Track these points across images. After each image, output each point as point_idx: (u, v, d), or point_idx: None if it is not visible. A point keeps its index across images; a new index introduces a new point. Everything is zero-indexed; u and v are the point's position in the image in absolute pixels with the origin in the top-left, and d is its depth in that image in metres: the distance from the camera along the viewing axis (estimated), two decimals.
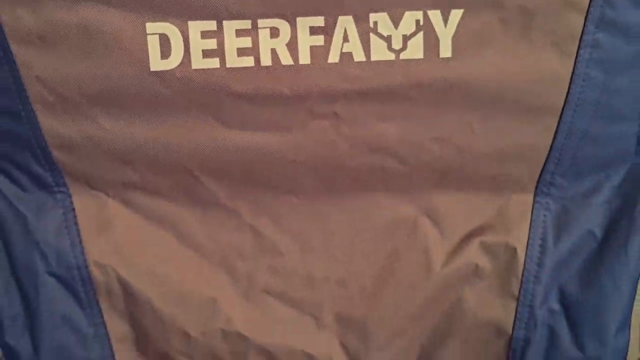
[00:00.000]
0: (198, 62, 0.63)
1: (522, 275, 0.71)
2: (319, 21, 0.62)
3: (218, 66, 0.63)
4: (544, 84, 0.64)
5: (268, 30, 0.62)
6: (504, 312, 0.72)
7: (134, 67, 0.63)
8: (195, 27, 0.62)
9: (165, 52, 0.63)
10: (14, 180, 0.69)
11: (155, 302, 0.71)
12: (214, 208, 0.70)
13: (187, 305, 0.72)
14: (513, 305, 0.72)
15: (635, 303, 0.72)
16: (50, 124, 0.65)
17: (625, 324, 0.71)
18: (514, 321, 0.72)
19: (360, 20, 0.62)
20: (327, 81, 0.63)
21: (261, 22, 0.62)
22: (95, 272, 0.70)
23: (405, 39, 0.62)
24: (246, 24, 0.62)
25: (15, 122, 0.65)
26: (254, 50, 0.63)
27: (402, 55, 0.63)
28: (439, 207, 0.70)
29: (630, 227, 0.69)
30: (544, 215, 0.70)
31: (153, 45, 0.62)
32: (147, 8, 0.61)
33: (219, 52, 0.63)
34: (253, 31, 0.62)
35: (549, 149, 0.67)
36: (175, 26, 0.62)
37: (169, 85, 0.64)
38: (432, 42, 0.63)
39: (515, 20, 0.62)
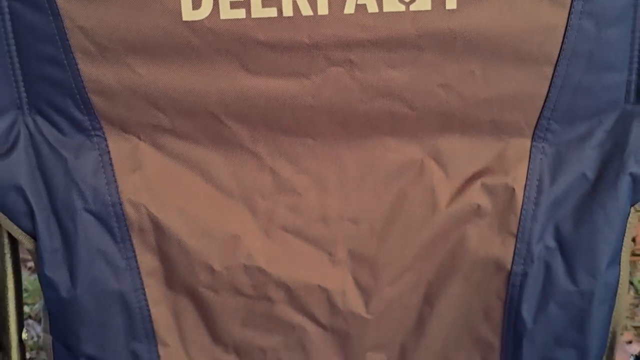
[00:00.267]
0: (226, 13, 0.69)
1: (520, 214, 0.77)
2: None
3: (244, 17, 0.69)
4: (540, 35, 0.70)
5: None
6: (503, 249, 0.78)
7: (168, 18, 0.69)
8: None
9: (196, 4, 0.69)
10: (55, 125, 0.75)
11: (182, 238, 0.78)
12: (236, 150, 0.76)
13: (211, 241, 0.78)
14: (512, 242, 0.78)
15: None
16: (90, 71, 0.72)
17: (615, 260, 0.77)
18: (513, 257, 0.78)
19: None
20: (343, 31, 0.70)
21: None
22: (129, 210, 0.77)
23: None
24: None
25: (58, 69, 0.72)
26: (277, 2, 0.69)
27: (412, 7, 0.69)
28: (444, 150, 0.76)
29: (620, 168, 0.75)
30: (541, 159, 0.76)
31: None
32: None
33: (245, 4, 0.69)
34: None
35: (545, 96, 0.73)
36: None
37: (199, 35, 0.70)
38: None
39: None
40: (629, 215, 0.76)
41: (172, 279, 0.80)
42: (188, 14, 0.69)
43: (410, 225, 0.78)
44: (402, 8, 0.69)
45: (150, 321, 0.81)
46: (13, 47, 0.72)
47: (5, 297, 0.80)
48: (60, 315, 0.79)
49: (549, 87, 0.73)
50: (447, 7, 0.69)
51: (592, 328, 0.79)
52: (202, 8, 0.69)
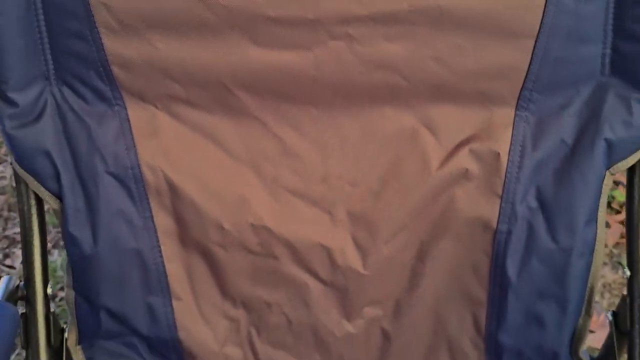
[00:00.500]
0: None
1: (505, 176, 0.84)
2: None
3: None
4: (521, 11, 0.77)
5: None
6: (489, 209, 0.85)
7: None
8: None
9: None
10: (80, 95, 0.82)
11: (195, 199, 0.85)
12: (245, 118, 0.83)
13: (222, 202, 0.85)
14: (497, 202, 0.85)
15: None
16: (113, 45, 0.78)
17: (592, 218, 0.84)
18: (498, 216, 0.85)
19: None
20: (342, 6, 0.76)
21: None
22: (146, 173, 0.84)
23: None
24: None
25: (83, 44, 0.79)
26: None
27: None
28: (436, 118, 0.83)
29: (596, 134, 0.82)
30: (524, 126, 0.83)
31: None
32: None
33: None
34: None
35: (527, 68, 0.80)
36: None
37: (213, 11, 0.77)
38: None
39: None
40: (604, 177, 0.83)
41: (186, 237, 0.87)
42: None
43: (404, 188, 0.85)
44: None
45: (166, 277, 0.88)
46: (42, 23, 0.78)
47: (32, 254, 0.86)
48: (82, 271, 0.86)
49: (531, 59, 0.79)
50: None
51: (571, 282, 0.86)
52: None
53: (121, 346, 0.92)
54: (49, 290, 0.88)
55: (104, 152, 0.83)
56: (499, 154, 0.83)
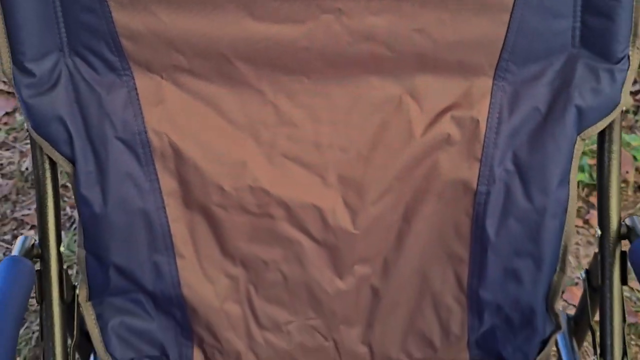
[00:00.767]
0: None
1: (484, 141, 0.91)
2: None
3: None
4: None
5: None
6: (470, 172, 0.92)
7: None
8: None
9: None
10: (90, 66, 0.88)
11: (198, 162, 0.91)
12: (244, 87, 0.90)
13: (222, 165, 0.92)
14: (477, 166, 0.91)
15: None
16: (121, 18, 0.85)
17: (564, 180, 0.91)
18: (478, 179, 0.92)
19: None
20: None
21: None
22: (152, 138, 0.90)
23: None
24: None
25: (94, 17, 0.85)
26: None
27: None
28: (419, 87, 0.90)
29: (567, 101, 0.88)
30: (501, 95, 0.90)
31: None
32: None
33: None
34: None
35: (503, 41, 0.87)
36: None
37: None
38: None
39: None
40: (575, 142, 0.90)
41: (189, 198, 0.94)
42: None
43: (391, 152, 0.92)
44: None
45: (170, 236, 0.94)
46: None
47: (46, 215, 0.93)
48: (92, 230, 0.93)
49: (507, 32, 0.86)
50: None
51: (545, 240, 0.93)
52: None
53: (128, 303, 0.98)
54: (62, 249, 0.94)
55: (113, 118, 0.89)
56: (478, 120, 0.90)
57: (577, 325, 1.07)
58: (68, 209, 1.84)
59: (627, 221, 0.93)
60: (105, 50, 0.87)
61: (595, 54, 0.87)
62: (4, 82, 2.26)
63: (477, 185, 0.92)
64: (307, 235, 0.95)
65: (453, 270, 0.98)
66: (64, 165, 0.90)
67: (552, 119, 0.89)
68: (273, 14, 0.85)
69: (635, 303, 1.67)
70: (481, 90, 0.90)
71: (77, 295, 0.97)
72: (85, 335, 1.00)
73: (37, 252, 0.94)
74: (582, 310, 1.02)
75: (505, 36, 0.86)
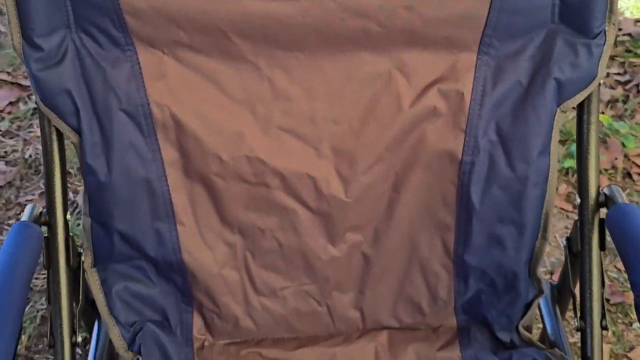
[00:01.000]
0: None
1: (468, 113, 0.96)
2: None
3: None
4: None
5: None
6: (455, 142, 0.97)
7: None
8: None
9: None
10: (96, 41, 0.93)
11: (198, 133, 0.96)
12: (241, 63, 0.95)
13: (221, 136, 0.97)
14: (462, 136, 0.96)
15: None
16: None
17: (545, 150, 0.96)
18: (463, 149, 0.97)
19: None
20: None
21: None
22: (155, 110, 0.95)
23: None
24: None
25: None
26: None
27: None
28: (408, 62, 0.95)
29: (547, 74, 0.93)
30: (485, 69, 0.95)
31: None
32: None
33: None
34: None
35: (486, 17, 0.92)
36: None
37: None
38: None
39: None
40: (555, 114, 0.95)
41: (189, 168, 0.98)
42: None
43: (381, 125, 0.97)
44: None
45: (171, 204, 0.99)
46: None
47: (53, 184, 0.97)
48: (98, 198, 0.97)
49: (489, 9, 0.91)
50: None
51: (527, 207, 0.98)
52: None
53: (131, 269, 1.03)
54: (69, 216, 0.99)
55: (117, 91, 0.94)
56: (463, 93, 0.95)
57: (560, 293, 1.12)
58: (71, 195, 1.89)
59: (605, 190, 0.98)
60: (110, 26, 0.92)
61: (573, 30, 0.92)
62: (7, 72, 2.32)
63: (462, 155, 0.97)
64: (301, 204, 1.00)
65: (440, 237, 1.03)
66: (70, 136, 0.95)
67: (533, 91, 0.94)
68: None
69: (622, 284, 1.72)
70: (466, 64, 0.95)
71: (83, 262, 1.01)
72: (90, 302, 1.05)
73: (45, 220, 0.98)
74: (565, 277, 1.07)
75: (488, 13, 0.91)
